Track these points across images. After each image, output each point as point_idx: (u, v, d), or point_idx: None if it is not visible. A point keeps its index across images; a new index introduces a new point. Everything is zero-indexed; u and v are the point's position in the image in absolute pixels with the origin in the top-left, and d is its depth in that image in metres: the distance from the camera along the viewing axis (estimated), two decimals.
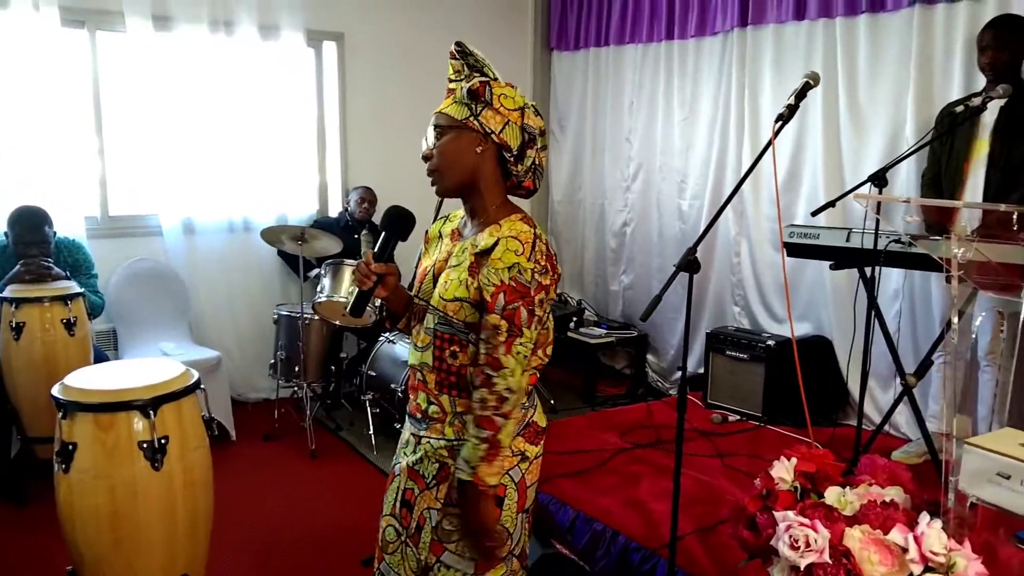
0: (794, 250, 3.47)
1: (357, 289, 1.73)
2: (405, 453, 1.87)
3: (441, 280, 1.73)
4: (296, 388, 4.69)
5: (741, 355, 4.30)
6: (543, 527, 2.72)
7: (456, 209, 1.89)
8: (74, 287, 3.57)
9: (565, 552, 2.63)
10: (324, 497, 3.79)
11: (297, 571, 3.14)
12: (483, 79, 1.69)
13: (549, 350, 1.78)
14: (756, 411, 4.21)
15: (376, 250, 1.75)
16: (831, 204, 3.08)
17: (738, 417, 4.23)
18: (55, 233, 3.85)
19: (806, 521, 1.59)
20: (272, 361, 4.55)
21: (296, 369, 4.42)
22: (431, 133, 1.72)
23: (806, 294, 4.40)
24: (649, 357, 5.44)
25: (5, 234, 3.74)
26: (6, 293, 3.44)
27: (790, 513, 1.62)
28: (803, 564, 1.56)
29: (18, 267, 3.61)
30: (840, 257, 3.33)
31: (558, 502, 3.27)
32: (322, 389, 4.91)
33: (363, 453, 4.30)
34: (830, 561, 1.54)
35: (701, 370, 4.73)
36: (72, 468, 2.12)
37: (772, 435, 4.00)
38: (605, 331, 5.32)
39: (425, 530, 1.79)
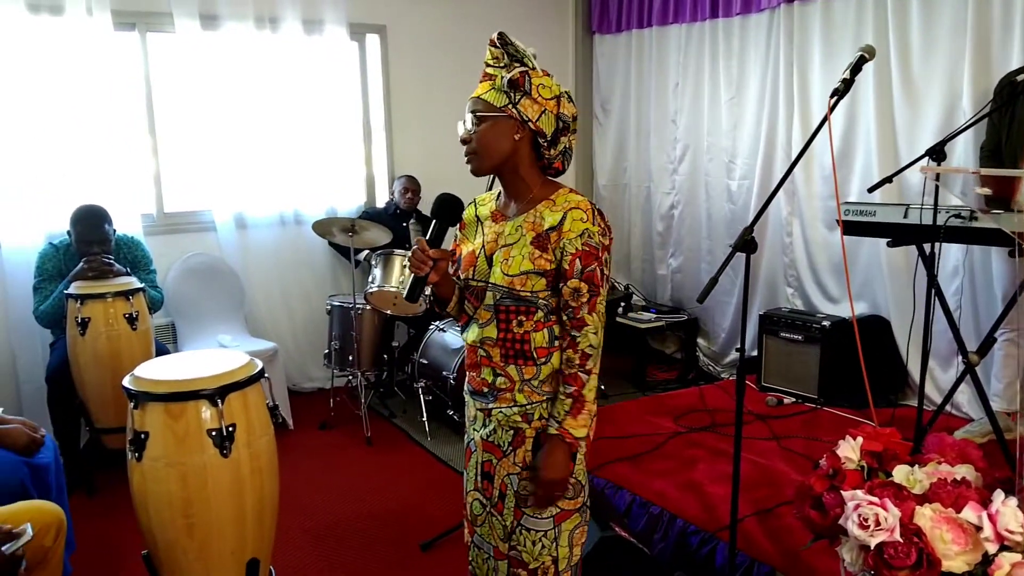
0: (850, 228, 3.41)
1: (412, 275, 1.81)
2: (475, 428, 1.99)
3: (498, 258, 1.83)
4: (350, 377, 4.76)
5: (795, 336, 4.24)
6: (601, 511, 2.72)
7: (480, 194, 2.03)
8: (135, 282, 3.67)
9: (624, 535, 2.64)
10: (381, 483, 3.85)
11: (358, 555, 3.20)
12: (523, 69, 1.78)
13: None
14: (811, 393, 4.15)
15: (429, 237, 1.85)
16: (888, 180, 3.02)
17: (793, 399, 4.18)
18: (115, 231, 3.95)
19: (875, 500, 1.57)
20: (326, 351, 4.62)
21: (350, 358, 4.48)
22: (469, 117, 1.81)
23: (862, 273, 4.32)
24: (700, 341, 5.40)
25: (68, 233, 3.84)
26: (71, 290, 3.54)
27: (859, 492, 1.60)
28: (873, 543, 1.54)
29: (81, 264, 3.71)
30: (898, 234, 3.26)
31: (614, 486, 3.27)
32: (375, 377, 4.97)
33: (417, 439, 4.35)
34: (901, 540, 1.52)
35: (754, 353, 4.68)
36: (145, 456, 2.18)
37: (829, 417, 3.95)
38: (654, 315, 5.29)
39: (508, 496, 1.91)
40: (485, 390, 1.90)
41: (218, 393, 2.19)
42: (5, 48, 3.98)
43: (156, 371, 2.28)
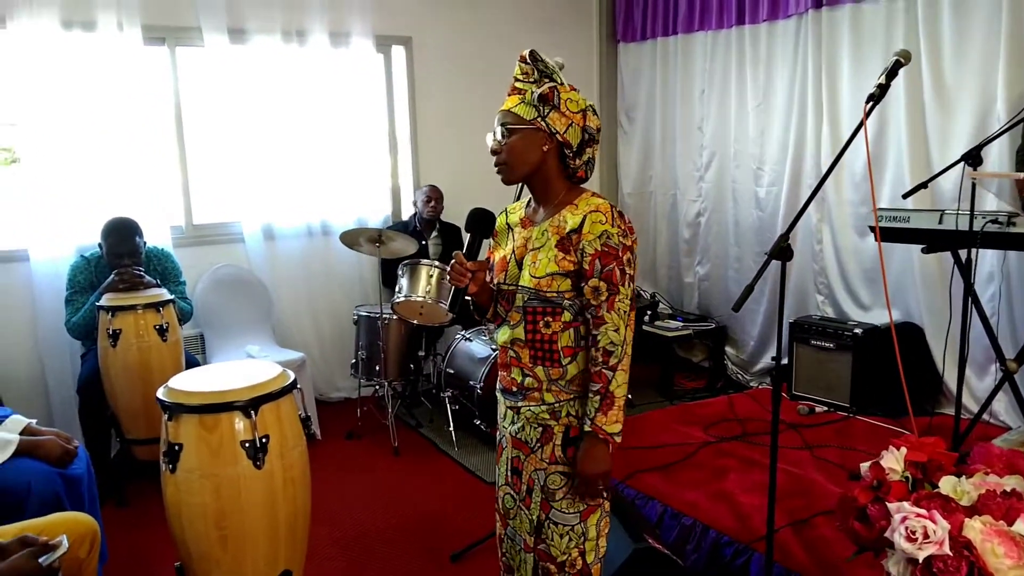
0: (884, 234, 3.35)
1: (453, 287, 1.95)
2: (505, 425, 2.08)
3: (527, 262, 1.93)
4: (377, 387, 4.77)
5: (827, 344, 4.19)
6: (633, 522, 2.69)
7: (510, 203, 2.15)
8: (165, 294, 3.69)
9: (658, 547, 2.60)
10: (409, 493, 3.84)
11: (387, 566, 3.19)
12: (552, 84, 1.88)
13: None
14: (843, 401, 4.10)
15: (465, 250, 1.98)
16: (924, 185, 2.98)
17: (825, 408, 4.12)
18: (145, 243, 3.99)
19: (923, 512, 1.53)
20: (353, 361, 4.63)
21: (377, 368, 4.49)
22: (499, 129, 1.90)
23: (894, 280, 4.26)
24: (728, 349, 5.35)
25: (99, 245, 3.88)
26: (103, 302, 3.57)
27: (905, 504, 1.56)
28: (921, 557, 1.50)
29: (112, 277, 3.74)
30: (933, 240, 3.21)
31: (645, 497, 3.24)
32: (403, 387, 4.98)
33: (444, 449, 4.34)
34: (951, 553, 1.49)
35: (785, 361, 4.63)
36: (179, 468, 2.18)
37: (862, 426, 3.90)
38: (681, 324, 5.25)
39: (535, 491, 1.99)
40: (515, 389, 1.99)
41: (251, 405, 2.19)
42: (40, 64, 4.04)
43: (190, 383, 2.29)
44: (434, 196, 4.99)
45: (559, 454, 1.96)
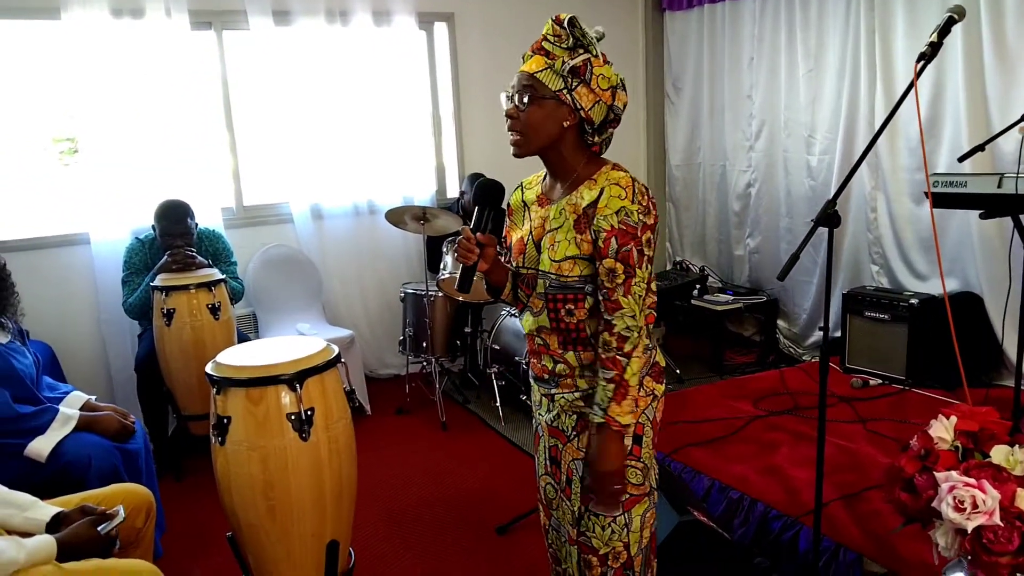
0: (940, 200, 3.24)
1: (462, 266, 1.81)
2: (540, 413, 1.98)
3: (545, 243, 1.80)
4: (424, 363, 4.81)
5: (882, 316, 4.07)
6: (678, 495, 2.68)
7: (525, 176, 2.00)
8: (217, 274, 3.77)
9: (704, 520, 2.58)
10: (457, 467, 3.88)
11: (435, 538, 3.23)
12: (586, 57, 1.72)
13: (654, 285, 1.83)
14: (899, 374, 3.99)
15: (473, 224, 1.83)
16: (980, 148, 2.87)
17: (879, 381, 4.02)
18: (197, 224, 4.08)
19: (972, 481, 1.48)
20: (401, 338, 4.67)
21: (424, 345, 4.53)
22: (518, 93, 1.75)
23: (952, 248, 4.11)
24: (779, 322, 5.25)
25: (153, 227, 3.98)
26: (157, 282, 3.67)
27: (953, 473, 1.51)
28: (970, 527, 1.46)
29: (166, 257, 3.84)
30: (992, 205, 3.08)
31: (692, 471, 3.21)
32: (461, 366, 5.05)
33: (492, 425, 4.37)
34: (1001, 523, 1.44)
35: (838, 333, 4.52)
36: (228, 440, 2.24)
37: (917, 398, 3.79)
38: (731, 297, 5.16)
39: (574, 481, 1.89)
40: (547, 376, 1.90)
41: (296, 378, 2.22)
42: (93, 53, 4.14)
43: (237, 357, 2.34)
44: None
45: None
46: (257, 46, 4.60)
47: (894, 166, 4.32)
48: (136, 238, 4.09)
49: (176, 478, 3.81)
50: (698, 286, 5.28)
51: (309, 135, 4.78)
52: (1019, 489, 1.50)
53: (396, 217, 4.45)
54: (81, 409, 2.86)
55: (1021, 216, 3.00)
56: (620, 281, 1.70)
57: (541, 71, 1.73)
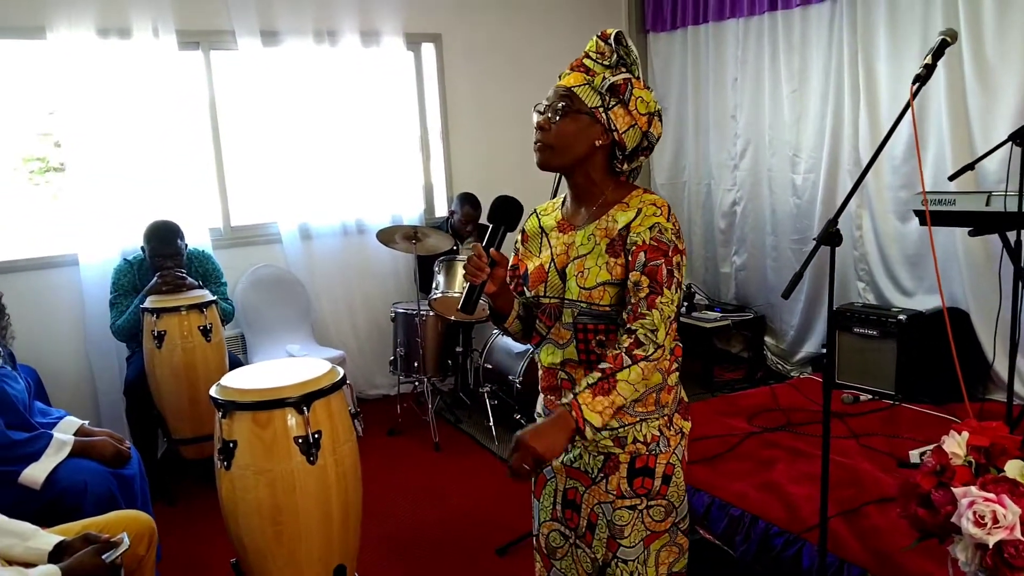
0: (930, 218, 3.30)
1: (468, 285, 1.70)
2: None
3: (572, 271, 1.70)
4: (416, 383, 4.79)
5: (870, 332, 4.13)
6: None
7: (543, 199, 1.92)
8: (208, 295, 3.74)
9: (709, 538, 2.59)
10: (452, 488, 3.86)
11: (435, 560, 3.21)
12: (627, 76, 1.67)
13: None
14: (888, 389, 4.04)
15: (486, 242, 1.71)
16: (970, 167, 2.94)
17: (870, 396, 4.06)
18: (186, 245, 4.04)
19: (992, 496, 1.51)
20: (391, 358, 4.65)
21: (415, 364, 4.51)
22: (552, 104, 1.67)
23: (938, 264, 4.17)
24: (767, 339, 5.29)
25: (142, 248, 3.94)
26: (147, 304, 3.62)
27: (973, 488, 1.54)
28: (991, 542, 1.48)
29: (155, 279, 3.80)
30: (980, 222, 3.15)
31: (691, 488, 3.22)
32: (451, 386, 5.04)
33: (485, 444, 4.35)
34: (1022, 538, 1.46)
35: (825, 349, 4.57)
36: (234, 465, 2.21)
37: (908, 413, 3.83)
38: (720, 314, 5.21)
39: (599, 526, 1.77)
40: None
41: (303, 401, 2.21)
42: (76, 71, 4.10)
43: (242, 380, 2.31)
44: (471, 220, 4.84)
45: (625, 487, 1.73)
46: (245, 66, 4.59)
47: (879, 185, 4.39)
48: (125, 259, 4.04)
49: (168, 503, 3.74)
50: (686, 303, 5.32)
51: (297, 155, 4.77)
52: None
53: (387, 237, 4.44)
54: (75, 434, 2.81)
55: (1008, 233, 3.08)
56: (644, 295, 1.59)
57: (579, 86, 1.66)
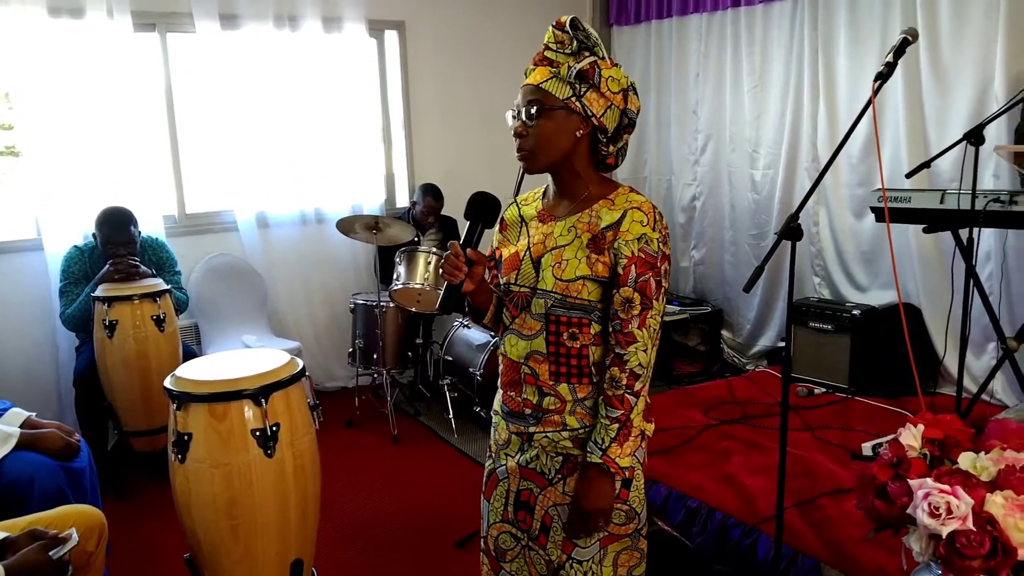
0: (884, 215, 3.36)
1: (446, 284, 1.65)
2: (508, 454, 1.80)
3: (548, 262, 1.66)
4: (375, 375, 4.74)
5: (825, 326, 4.20)
6: None
7: (523, 193, 1.88)
8: (162, 284, 3.65)
9: (667, 529, 2.61)
10: (411, 481, 3.84)
11: (393, 554, 3.18)
12: (593, 59, 1.62)
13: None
14: (842, 383, 4.12)
15: (463, 240, 1.66)
16: (927, 164, 2.99)
17: (824, 390, 4.14)
18: (140, 232, 3.94)
19: (946, 488, 1.53)
20: (350, 349, 4.60)
21: (375, 356, 4.46)
22: (524, 108, 1.63)
23: (895, 260, 4.26)
24: (724, 333, 5.36)
25: (94, 235, 3.83)
26: (98, 292, 3.53)
27: (929, 480, 1.56)
28: (945, 532, 1.50)
29: (108, 267, 3.70)
30: (934, 220, 3.22)
31: (649, 480, 3.24)
32: (411, 379, 5.00)
33: (444, 437, 4.33)
34: (974, 528, 1.49)
35: (781, 343, 4.64)
36: (188, 458, 2.16)
37: (861, 406, 3.91)
38: (677, 308, 5.25)
39: (554, 528, 1.74)
40: (527, 412, 1.72)
41: (261, 392, 2.17)
42: (28, 51, 3.96)
43: (198, 372, 2.26)
44: (435, 208, 4.80)
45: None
46: (203, 50, 4.48)
47: (836, 181, 4.46)
48: (75, 246, 3.92)
49: (119, 496, 3.65)
50: None
51: (255, 141, 4.67)
52: (988, 495, 1.56)
53: (347, 226, 4.38)
54: (22, 426, 2.71)
55: (960, 231, 3.15)
56: (636, 312, 1.59)
57: (546, 81, 1.61)
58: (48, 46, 4.01)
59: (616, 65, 1.67)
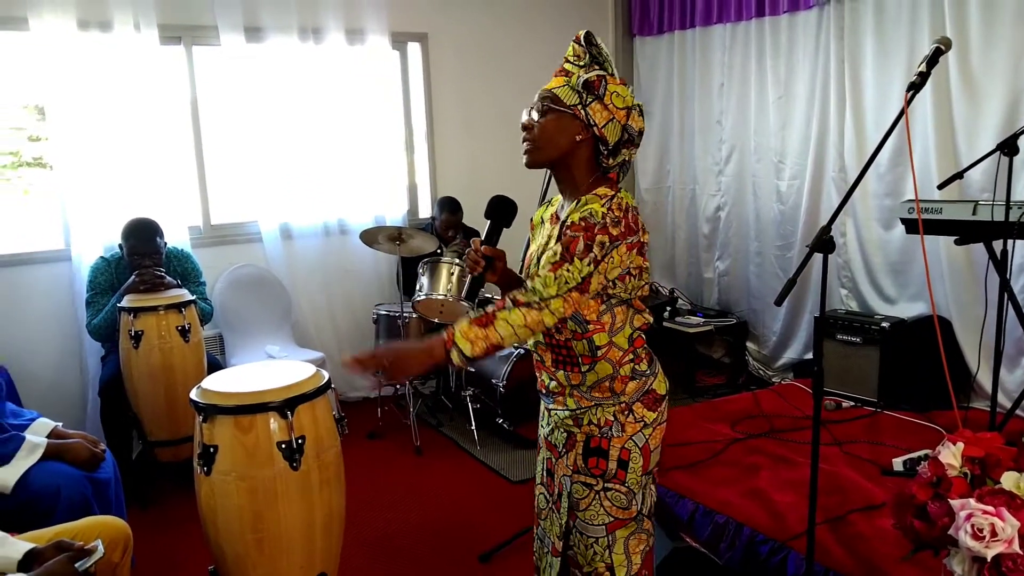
0: (915, 226, 3.31)
1: (470, 275, 1.89)
2: (542, 426, 2.05)
3: (543, 258, 1.84)
4: (398, 386, 4.73)
5: (853, 339, 4.14)
6: (667, 521, 2.66)
7: (557, 195, 2.02)
8: (187, 295, 3.67)
9: (695, 545, 2.57)
10: (434, 492, 3.81)
11: (417, 568, 3.16)
12: (601, 73, 1.77)
13: (648, 315, 1.91)
14: (871, 396, 4.05)
15: (484, 238, 1.92)
16: (959, 175, 2.94)
17: (852, 403, 4.07)
18: (165, 243, 3.96)
19: (990, 509, 1.49)
20: None
21: None
22: (536, 106, 1.81)
23: (920, 272, 4.21)
24: (749, 344, 5.30)
25: (120, 246, 3.86)
26: (124, 303, 3.55)
27: (972, 500, 1.52)
28: (990, 555, 1.46)
29: (133, 278, 3.72)
30: (966, 231, 3.16)
31: (675, 495, 3.19)
32: (432, 390, 4.99)
33: (467, 448, 4.30)
34: (1020, 551, 1.45)
35: (808, 356, 4.58)
36: (214, 470, 2.16)
37: (890, 420, 3.84)
38: (702, 319, 5.20)
39: (563, 495, 1.93)
40: (544, 391, 1.98)
41: (287, 405, 2.16)
42: (58, 65, 4.01)
43: (224, 384, 2.26)
44: (452, 225, 4.79)
45: (580, 464, 1.89)
46: (228, 62, 4.51)
47: (864, 192, 4.40)
48: (101, 257, 3.95)
49: (142, 507, 3.66)
50: (669, 308, 5.31)
51: (279, 153, 4.70)
52: None
53: (370, 237, 4.38)
54: (49, 437, 2.73)
55: (994, 243, 3.09)
56: (553, 260, 1.71)
57: (559, 87, 1.79)
58: (77, 59, 4.07)
59: (624, 84, 1.82)
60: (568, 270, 1.68)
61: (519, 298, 1.69)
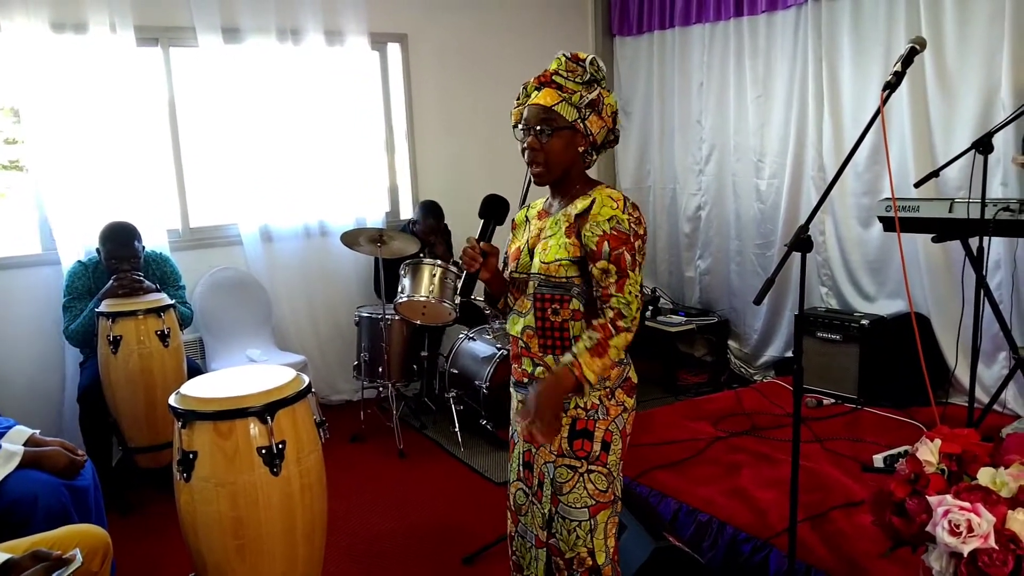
0: (893, 224, 3.35)
1: (465, 272, 1.97)
2: (517, 419, 2.07)
3: (539, 249, 1.96)
4: (380, 388, 4.72)
5: (833, 336, 4.18)
6: (650, 520, 2.67)
7: (512, 198, 2.17)
8: (166, 299, 3.63)
9: (678, 544, 2.57)
10: (417, 495, 3.80)
11: (402, 571, 3.14)
12: (599, 91, 1.92)
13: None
14: (851, 393, 4.09)
15: (479, 236, 2.00)
16: (935, 173, 2.97)
17: (832, 400, 4.10)
18: (144, 247, 3.92)
19: (967, 505, 1.50)
20: (355, 363, 4.57)
21: (380, 370, 4.44)
22: (538, 126, 1.90)
23: (898, 270, 4.25)
24: (731, 343, 5.32)
25: (98, 250, 3.81)
26: (102, 308, 3.51)
27: (948, 497, 1.53)
28: (966, 551, 1.48)
29: (111, 282, 3.68)
30: (943, 229, 3.20)
31: (658, 494, 3.21)
32: (417, 391, 4.97)
33: (450, 450, 4.29)
34: (996, 546, 1.46)
35: (789, 353, 4.61)
36: (194, 476, 2.13)
37: (870, 417, 3.88)
38: (684, 318, 5.22)
39: (545, 484, 2.00)
40: (525, 381, 2.01)
41: (267, 410, 2.14)
42: (32, 67, 3.96)
43: (203, 389, 2.24)
44: (434, 231, 4.74)
45: (566, 447, 1.95)
46: (206, 64, 4.47)
47: (842, 190, 4.44)
48: (79, 261, 3.91)
49: (122, 514, 3.62)
50: (650, 307, 5.32)
51: (259, 155, 4.66)
52: (1009, 511, 1.53)
53: (351, 239, 4.36)
54: (25, 444, 2.69)
55: (970, 240, 3.12)
56: (613, 280, 1.83)
57: (557, 104, 1.89)
58: (52, 62, 4.01)
59: (609, 91, 1.97)
60: (632, 285, 1.84)
61: (620, 324, 1.82)
